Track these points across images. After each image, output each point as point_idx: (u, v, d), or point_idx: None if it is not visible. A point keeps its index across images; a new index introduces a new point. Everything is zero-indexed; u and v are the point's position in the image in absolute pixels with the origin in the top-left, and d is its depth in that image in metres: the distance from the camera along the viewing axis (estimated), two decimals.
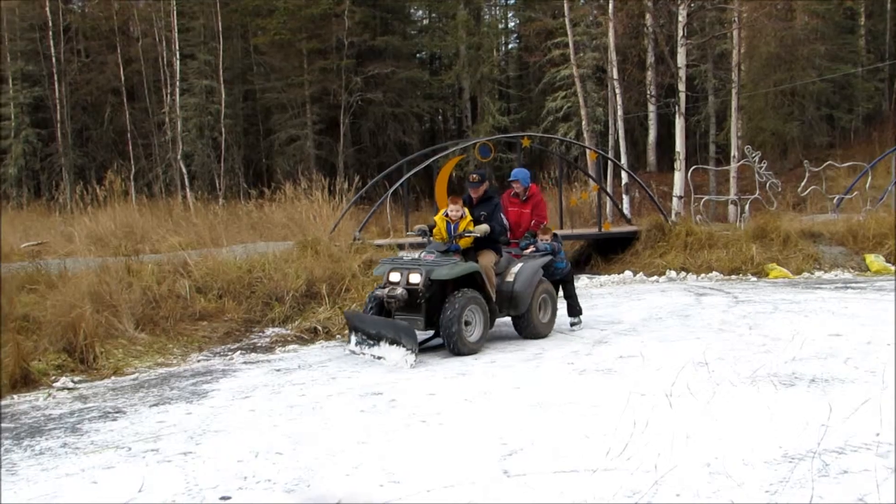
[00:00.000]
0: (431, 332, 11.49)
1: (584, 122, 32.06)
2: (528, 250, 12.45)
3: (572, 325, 12.69)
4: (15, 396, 9.35)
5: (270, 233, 19.51)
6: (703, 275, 19.13)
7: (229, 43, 40.46)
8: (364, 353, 10.77)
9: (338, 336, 12.27)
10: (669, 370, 9.46)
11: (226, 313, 12.81)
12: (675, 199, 26.41)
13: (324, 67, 39.66)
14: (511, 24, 52.19)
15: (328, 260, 14.81)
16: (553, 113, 39.10)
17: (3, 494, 6.20)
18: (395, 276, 11.01)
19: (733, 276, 18.80)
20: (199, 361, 10.95)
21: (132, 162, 39.18)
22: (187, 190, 36.12)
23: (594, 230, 22.90)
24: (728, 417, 7.51)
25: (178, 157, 37.53)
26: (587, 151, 27.47)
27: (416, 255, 11.63)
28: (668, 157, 32.28)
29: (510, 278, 11.74)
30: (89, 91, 42.66)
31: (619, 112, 29.89)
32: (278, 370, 10.29)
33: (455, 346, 10.67)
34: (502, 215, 11.79)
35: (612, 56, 30.16)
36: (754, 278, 18.41)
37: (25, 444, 7.50)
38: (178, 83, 38.66)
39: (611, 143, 32.04)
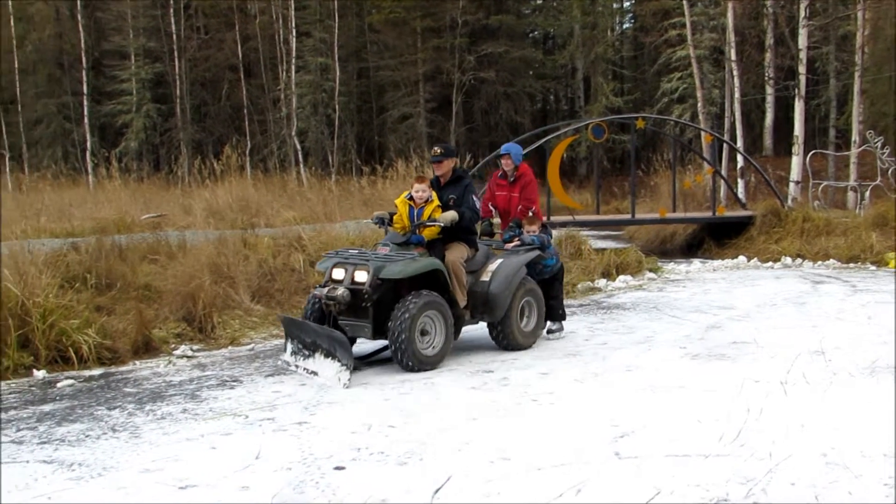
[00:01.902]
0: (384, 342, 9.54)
1: (699, 104, 31.53)
2: (511, 244, 10.53)
3: (549, 332, 10.77)
4: (137, 362, 9.67)
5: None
6: (819, 262, 18.71)
7: (344, 21, 40.81)
8: (297, 367, 8.98)
9: None
10: (784, 358, 9.30)
11: None
12: (791, 184, 25.81)
13: (437, 46, 39.77)
14: (626, 4, 51.60)
15: None
16: (668, 94, 38.55)
17: (128, 455, 6.42)
18: (338, 273, 9.16)
19: (851, 265, 18.33)
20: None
21: (248, 137, 39.86)
22: (301, 166, 36.61)
23: (708, 214, 22.59)
24: (845, 408, 7.36)
25: (293, 133, 38.07)
26: (702, 134, 27.02)
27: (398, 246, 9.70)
28: (785, 141, 31.59)
29: (485, 277, 9.89)
30: (207, 67, 43.48)
31: (736, 94, 29.30)
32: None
33: (404, 361, 8.83)
34: (475, 198, 9.75)
35: (731, 37, 29.56)
36: (873, 267, 17.91)
37: (148, 409, 7.74)
38: (293, 60, 39.16)
39: (726, 125, 31.46)
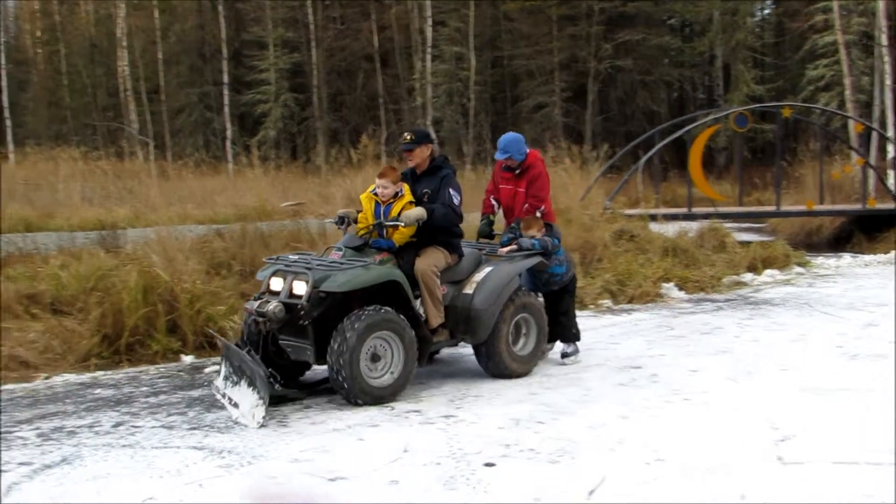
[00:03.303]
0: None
1: (847, 92, 30.39)
2: (506, 249, 8.71)
3: (564, 356, 9.11)
4: None
5: None
6: None
7: (480, 9, 40.66)
8: (224, 395, 7.49)
9: (591, 306, 12.09)
10: None
11: None
12: None
13: (573, 34, 39.34)
14: None
15: (579, 228, 14.64)
16: (813, 82, 37.30)
17: (277, 444, 6.41)
18: (276, 284, 7.62)
19: None
20: None
21: (383, 126, 40.12)
22: None
23: (857, 206, 21.74)
24: None
25: (428, 122, 38.14)
26: (850, 123, 26.05)
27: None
28: None
29: (468, 289, 8.22)
30: (344, 57, 43.89)
31: (888, 81, 28.12)
32: None
33: (347, 392, 7.28)
34: (452, 192, 8.10)
35: (882, 22, 28.40)
36: None
37: (296, 397, 7.74)
38: (429, 49, 39.23)
39: (876, 114, 30.29)
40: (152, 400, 7.72)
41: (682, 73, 45.31)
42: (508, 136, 9.22)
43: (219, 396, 7.55)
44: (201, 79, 42.47)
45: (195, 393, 7.93)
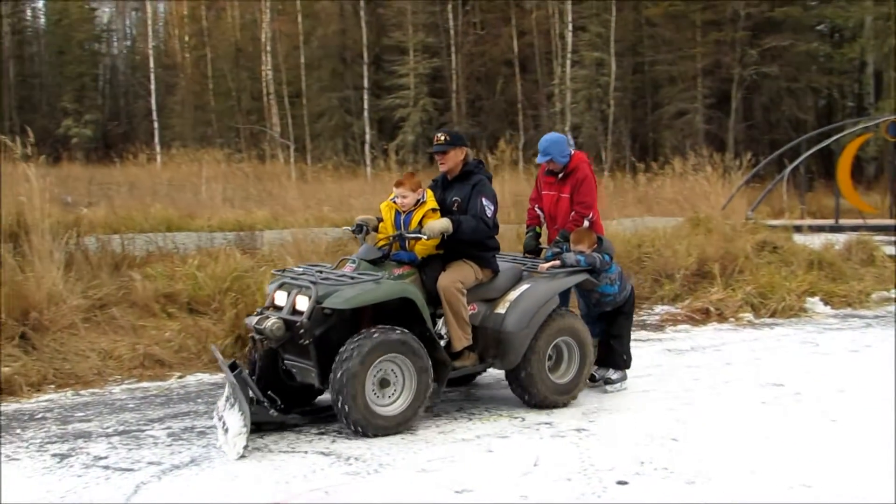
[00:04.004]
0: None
1: None
2: (547, 265, 7.77)
3: (608, 382, 8.16)
4: None
5: (658, 207, 19.11)
6: None
7: (621, 14, 40.13)
8: (220, 418, 6.73)
9: (731, 319, 11.67)
10: None
11: None
12: None
13: (717, 40, 38.45)
14: None
15: (720, 238, 14.18)
16: None
17: (404, 453, 6.30)
18: (280, 298, 7.00)
19: None
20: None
21: (521, 132, 39.96)
22: None
23: None
24: None
25: (566, 128, 37.81)
26: None
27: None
28: None
29: (501, 309, 7.42)
30: (483, 62, 43.90)
31: None
32: (669, 350, 9.93)
33: (349, 420, 6.58)
34: (486, 202, 7.29)
35: None
36: None
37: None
38: (569, 55, 38.92)
39: None
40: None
41: (831, 81, 43.83)
42: (549, 136, 8.44)
43: (216, 419, 6.83)
44: (342, 83, 42.99)
45: (325, 396, 7.87)
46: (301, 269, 7.36)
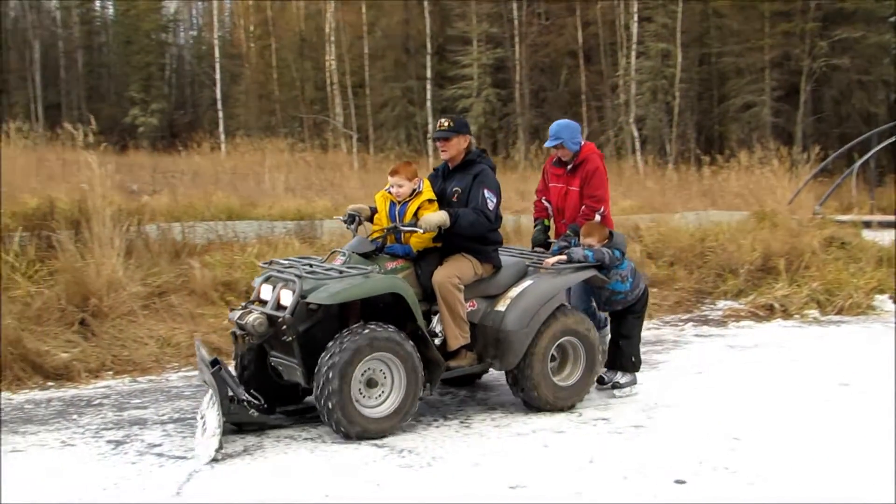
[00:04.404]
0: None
1: None
2: (552, 260, 7.36)
3: (615, 386, 7.71)
4: None
5: (723, 201, 18.83)
6: None
7: (688, 5, 39.63)
8: (202, 417, 6.34)
9: (796, 315, 11.42)
10: None
11: (676, 281, 12.40)
12: None
13: (786, 31, 37.84)
14: None
15: (786, 233, 13.90)
16: None
17: (458, 446, 6.24)
18: (266, 292, 6.69)
19: None
20: (648, 329, 10.54)
21: (585, 124, 39.67)
22: (638, 153, 36.01)
23: None
24: None
25: (631, 120, 37.49)
26: None
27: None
28: None
29: (501, 306, 7.04)
30: (547, 53, 43.62)
31: None
32: (732, 346, 9.73)
33: (335, 423, 6.22)
34: (487, 194, 6.92)
35: None
36: None
37: (479, 398, 7.57)
38: (634, 46, 38.53)
39: None
40: None
41: None
42: (561, 121, 8.01)
43: (198, 417, 6.42)
44: (405, 73, 43.00)
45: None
46: (287, 262, 6.96)
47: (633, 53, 38.29)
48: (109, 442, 6.30)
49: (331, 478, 5.60)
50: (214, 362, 6.46)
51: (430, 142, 37.37)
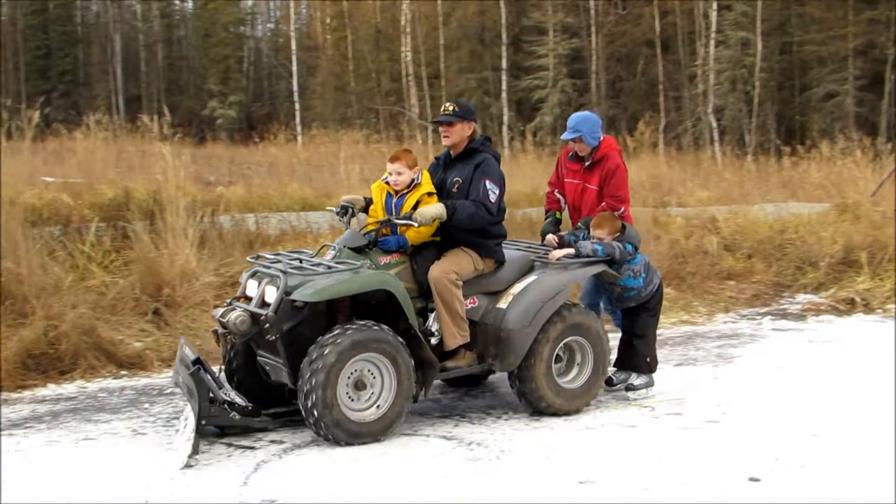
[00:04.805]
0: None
1: None
2: (559, 253, 6.98)
3: (629, 388, 7.29)
4: None
5: (803, 193, 18.44)
6: None
7: None
8: (185, 417, 6.11)
9: (878, 310, 11.11)
10: None
11: (754, 274, 12.15)
12: None
13: (871, 18, 37.02)
14: None
15: (869, 226, 13.56)
16: None
17: (528, 439, 6.17)
18: (252, 288, 6.37)
19: None
20: (724, 323, 10.43)
21: (662, 114, 39.25)
22: (716, 144, 35.51)
23: None
24: None
25: (709, 110, 36.97)
26: None
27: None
28: None
29: (503, 303, 6.65)
30: (624, 43, 43.23)
31: None
32: (811, 341, 9.48)
33: (317, 425, 5.88)
34: (489, 185, 6.51)
35: None
36: None
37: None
38: (713, 35, 37.97)
39: None
40: None
41: None
42: (581, 113, 7.58)
43: (182, 418, 6.21)
44: (480, 64, 42.95)
45: (451, 379, 7.77)
46: (273, 257, 6.64)
47: (712, 42, 37.72)
48: (180, 431, 6.32)
49: (398, 470, 5.57)
50: (196, 362, 6.17)
51: (505, 133, 37.28)
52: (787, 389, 7.52)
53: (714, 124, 36.75)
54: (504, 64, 40.59)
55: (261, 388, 6.53)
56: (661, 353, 8.56)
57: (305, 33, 53.86)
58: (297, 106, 41.82)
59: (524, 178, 16.99)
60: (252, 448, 5.89)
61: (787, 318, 10.68)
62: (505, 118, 39.42)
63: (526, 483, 5.34)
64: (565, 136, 7.39)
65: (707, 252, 12.38)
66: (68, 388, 7.54)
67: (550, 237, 7.39)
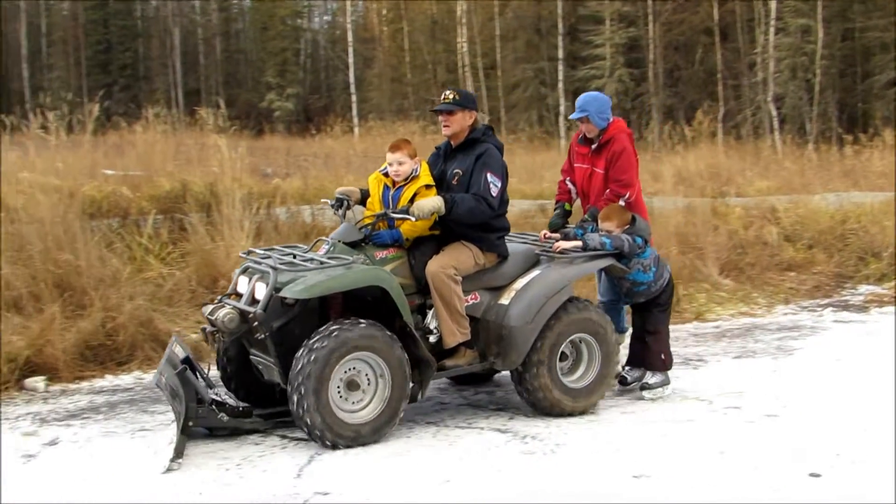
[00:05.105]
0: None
1: None
2: (566, 245, 6.69)
3: (643, 387, 6.98)
4: None
5: (866, 182, 18.14)
6: None
7: None
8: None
9: None
10: None
11: (815, 265, 11.97)
12: None
13: None
14: None
15: None
16: None
17: (583, 433, 6.11)
18: (243, 285, 6.12)
19: None
20: (784, 315, 10.26)
21: (721, 103, 38.82)
22: (776, 133, 35.06)
23: None
24: None
25: (769, 98, 36.49)
26: None
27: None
28: None
29: (505, 299, 6.39)
30: (682, 31, 42.79)
31: None
32: (873, 333, 9.28)
33: (308, 427, 5.65)
34: (491, 177, 6.24)
35: None
36: None
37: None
38: (772, 22, 37.45)
39: None
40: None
41: None
42: (590, 93, 7.28)
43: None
44: (537, 54, 42.76)
45: (505, 372, 7.72)
46: (263, 252, 6.38)
47: (772, 30, 37.21)
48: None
49: (452, 462, 5.54)
50: (185, 361, 5.97)
51: (562, 123, 37.09)
52: (848, 383, 7.36)
53: (774, 113, 36.27)
54: (560, 54, 40.38)
55: (256, 387, 6.35)
56: (719, 346, 8.55)
57: (362, 25, 54.04)
58: (353, 98, 41.94)
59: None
60: (306, 440, 5.88)
61: (849, 310, 10.48)
62: (561, 108, 39.21)
63: (580, 477, 5.29)
64: (574, 116, 7.11)
65: (767, 243, 12.22)
66: (125, 378, 7.62)
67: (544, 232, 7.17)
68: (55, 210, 8.94)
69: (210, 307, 5.98)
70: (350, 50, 43.52)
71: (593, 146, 7.13)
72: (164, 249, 9.62)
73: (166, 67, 52.15)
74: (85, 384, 7.45)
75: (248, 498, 5.04)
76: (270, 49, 51.73)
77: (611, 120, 7.10)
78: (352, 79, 42.60)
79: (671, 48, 42.69)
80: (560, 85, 40.10)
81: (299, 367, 5.56)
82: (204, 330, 6.01)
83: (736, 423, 6.31)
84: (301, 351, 5.61)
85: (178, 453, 5.53)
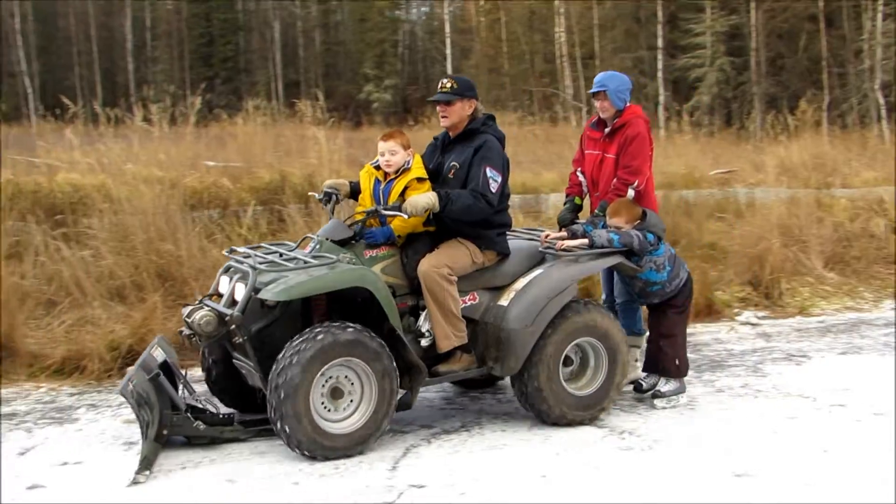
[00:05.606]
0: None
1: None
2: (572, 243, 6.25)
3: (656, 396, 6.55)
4: (698, 326, 9.13)
5: None
6: None
7: None
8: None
9: None
10: None
11: None
12: None
13: None
14: None
15: None
16: None
17: (683, 429, 6.01)
18: (224, 285, 5.83)
19: None
20: (892, 310, 9.94)
21: (825, 91, 37.93)
22: (883, 122, 34.10)
23: None
24: None
25: (876, 86, 35.52)
26: None
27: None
28: None
29: (504, 300, 6.01)
30: (785, 18, 41.88)
31: None
32: None
33: (287, 436, 5.33)
34: (490, 171, 5.83)
35: None
36: None
37: (706, 379, 7.26)
38: (880, 7, 36.44)
39: None
40: None
41: None
42: (610, 71, 6.92)
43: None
44: (636, 44, 42.29)
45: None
46: (245, 250, 6.05)
47: (879, 15, 36.22)
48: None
49: (548, 457, 5.51)
50: (162, 366, 5.70)
51: (661, 113, 36.63)
52: None
53: (881, 101, 35.28)
54: (660, 42, 39.87)
55: (242, 392, 6.13)
56: (824, 341, 8.35)
57: (459, 16, 53.94)
58: None
59: (679, 158, 16.63)
60: (402, 432, 5.89)
61: None
62: (661, 98, 38.74)
63: (679, 474, 5.20)
64: (592, 91, 6.72)
65: (874, 235, 11.84)
66: None
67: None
68: (158, 201, 9.12)
69: (188, 308, 5.70)
70: (447, 41, 43.60)
71: (606, 130, 6.70)
72: (263, 240, 9.71)
73: (266, 60, 52.81)
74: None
75: (344, 489, 5.05)
76: (368, 41, 52.04)
77: (628, 102, 6.71)
78: (449, 69, 42.62)
79: (774, 35, 41.83)
80: (659, 74, 39.60)
81: (278, 371, 5.27)
82: (181, 333, 5.74)
83: (841, 422, 6.14)
84: (282, 354, 5.32)
85: (147, 464, 5.25)
